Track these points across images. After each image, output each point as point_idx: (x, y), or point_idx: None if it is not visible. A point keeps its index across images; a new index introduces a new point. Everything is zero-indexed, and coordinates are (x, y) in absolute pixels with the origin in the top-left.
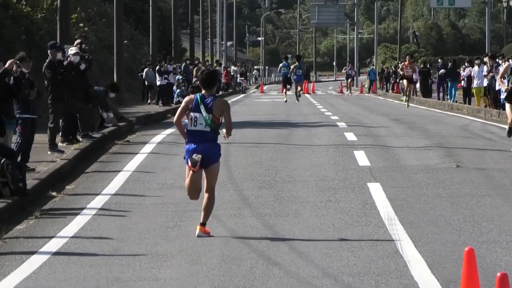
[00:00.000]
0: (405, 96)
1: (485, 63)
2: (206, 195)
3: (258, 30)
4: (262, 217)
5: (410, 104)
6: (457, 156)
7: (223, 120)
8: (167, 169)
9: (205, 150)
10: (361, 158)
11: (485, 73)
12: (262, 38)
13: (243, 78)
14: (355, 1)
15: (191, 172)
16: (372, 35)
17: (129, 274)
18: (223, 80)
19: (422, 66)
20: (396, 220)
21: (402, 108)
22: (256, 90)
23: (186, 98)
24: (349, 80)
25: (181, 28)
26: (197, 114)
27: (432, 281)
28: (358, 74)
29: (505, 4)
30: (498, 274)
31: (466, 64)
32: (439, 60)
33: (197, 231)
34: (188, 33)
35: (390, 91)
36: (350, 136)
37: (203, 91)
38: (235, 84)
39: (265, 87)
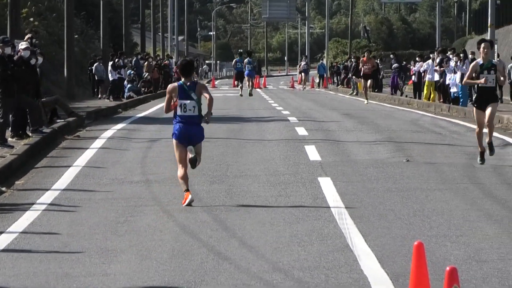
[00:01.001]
0: (353, 91)
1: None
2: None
3: (209, 24)
4: (213, 212)
5: (360, 99)
6: (407, 150)
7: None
8: (117, 164)
9: (195, 133)
10: (312, 152)
11: (436, 67)
12: (214, 33)
13: (194, 73)
14: None
15: (179, 149)
16: (324, 30)
17: (78, 270)
18: (174, 75)
19: None
20: (346, 215)
21: (353, 102)
22: (207, 84)
23: (169, 88)
24: (305, 75)
25: (132, 22)
26: (186, 101)
27: (381, 275)
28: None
29: None
30: (447, 268)
31: (417, 58)
32: (391, 55)
33: (188, 199)
34: (139, 28)
35: (340, 85)
36: (301, 131)
37: (183, 79)
38: None
39: (216, 82)
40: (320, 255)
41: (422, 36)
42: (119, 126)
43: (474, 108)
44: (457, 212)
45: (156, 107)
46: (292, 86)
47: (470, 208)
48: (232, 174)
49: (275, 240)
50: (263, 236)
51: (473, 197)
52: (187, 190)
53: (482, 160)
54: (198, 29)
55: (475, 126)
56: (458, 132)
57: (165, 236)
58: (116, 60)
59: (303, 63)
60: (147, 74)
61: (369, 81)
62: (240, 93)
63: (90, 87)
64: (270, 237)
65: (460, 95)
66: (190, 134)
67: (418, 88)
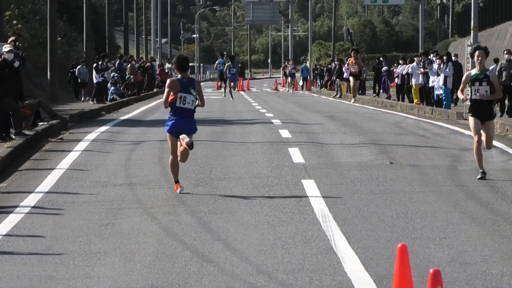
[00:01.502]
0: (336, 93)
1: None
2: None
3: (193, 27)
4: (197, 215)
5: (343, 101)
6: (391, 153)
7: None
8: (101, 166)
9: (189, 126)
10: (296, 155)
11: (420, 70)
12: (197, 35)
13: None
14: None
15: (171, 141)
16: (307, 33)
17: (62, 272)
18: (158, 78)
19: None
20: (330, 217)
21: (336, 105)
22: None
23: (169, 83)
24: (291, 78)
25: (115, 25)
26: (185, 94)
27: (365, 277)
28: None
29: (438, 1)
30: (431, 271)
31: (400, 61)
32: (380, 58)
33: (179, 189)
34: (123, 30)
35: (324, 88)
36: (285, 133)
37: (179, 75)
38: None
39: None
40: (304, 258)
41: (405, 39)
42: (103, 128)
43: (470, 117)
44: (440, 214)
45: (139, 110)
46: (276, 89)
47: (453, 210)
48: (215, 176)
49: (259, 243)
50: (247, 239)
51: (456, 199)
52: (177, 181)
53: (483, 174)
54: (182, 31)
55: (457, 128)
56: (441, 135)
57: (148, 239)
58: (100, 62)
59: (290, 66)
60: (130, 76)
61: (357, 82)
62: (224, 94)
63: (72, 89)
64: (254, 239)
65: (444, 98)
66: (184, 127)
67: (401, 90)
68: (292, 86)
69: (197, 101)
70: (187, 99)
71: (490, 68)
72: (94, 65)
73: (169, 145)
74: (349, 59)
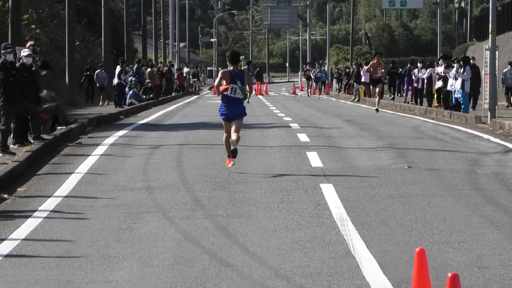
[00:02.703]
0: (355, 97)
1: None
2: (235, 134)
3: (211, 31)
4: (215, 219)
5: (362, 105)
6: (409, 156)
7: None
8: (119, 170)
9: (239, 111)
10: (314, 159)
11: (437, 74)
12: (215, 39)
13: (195, 79)
14: (308, 3)
15: (224, 123)
16: (325, 36)
17: (80, 277)
18: (176, 82)
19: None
20: (348, 221)
21: (354, 109)
22: (209, 91)
23: (221, 73)
24: (318, 83)
25: (134, 29)
26: (235, 85)
27: (383, 281)
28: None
29: (456, 5)
30: (449, 275)
31: (419, 65)
32: (408, 64)
33: (231, 164)
34: (141, 34)
35: (342, 92)
36: (303, 137)
37: (231, 67)
38: (188, 85)
39: None
40: (322, 262)
41: (424, 43)
42: (121, 133)
43: None
44: (459, 218)
45: (158, 114)
46: (294, 93)
47: (471, 214)
48: (234, 180)
49: (277, 247)
50: (265, 243)
51: (474, 203)
52: (229, 156)
53: None
54: (200, 36)
55: (476, 132)
56: (460, 139)
57: (167, 243)
58: (126, 66)
59: (316, 70)
60: (148, 81)
61: (379, 86)
62: None
63: (85, 93)
64: (272, 243)
65: (462, 102)
66: (234, 112)
67: (420, 94)
68: (320, 91)
69: (246, 90)
70: (237, 90)
71: (504, 71)
72: (119, 68)
73: (224, 127)
74: (372, 62)
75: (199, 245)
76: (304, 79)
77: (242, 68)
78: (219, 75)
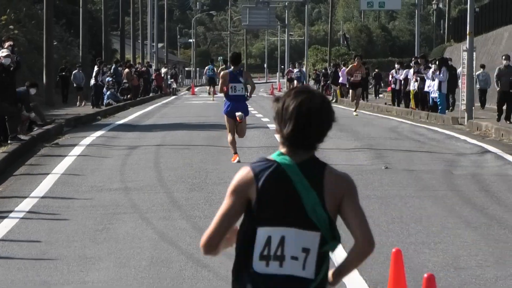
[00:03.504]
0: (332, 98)
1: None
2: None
3: (189, 32)
4: (192, 220)
5: (339, 106)
6: (386, 157)
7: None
8: (96, 171)
9: (242, 107)
10: None
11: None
12: (193, 40)
13: (173, 80)
14: (286, 4)
15: (228, 121)
16: (303, 37)
17: (56, 278)
18: (154, 83)
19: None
20: None
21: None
22: (187, 92)
23: (222, 73)
24: (298, 82)
25: (112, 29)
26: (235, 84)
27: (360, 282)
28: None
29: (434, 6)
30: (425, 275)
31: (396, 66)
32: (396, 64)
33: (236, 159)
34: (119, 35)
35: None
36: None
37: (232, 67)
38: (166, 86)
39: (196, 89)
40: None
41: (402, 44)
42: (98, 133)
43: None
44: (435, 219)
45: (135, 114)
46: (272, 93)
47: (448, 215)
48: (211, 181)
49: None
50: None
51: (451, 204)
52: (235, 153)
53: None
54: (178, 36)
55: (453, 133)
56: (437, 140)
57: (143, 244)
58: (102, 66)
59: (295, 70)
60: (125, 81)
61: (358, 90)
62: (212, 98)
63: (61, 93)
64: None
65: (439, 102)
66: (237, 108)
67: (397, 95)
68: None
69: (245, 86)
70: (237, 88)
71: (477, 74)
72: (96, 69)
73: (227, 125)
74: (351, 65)
75: (176, 246)
76: (283, 80)
77: (223, 69)
78: (221, 77)
